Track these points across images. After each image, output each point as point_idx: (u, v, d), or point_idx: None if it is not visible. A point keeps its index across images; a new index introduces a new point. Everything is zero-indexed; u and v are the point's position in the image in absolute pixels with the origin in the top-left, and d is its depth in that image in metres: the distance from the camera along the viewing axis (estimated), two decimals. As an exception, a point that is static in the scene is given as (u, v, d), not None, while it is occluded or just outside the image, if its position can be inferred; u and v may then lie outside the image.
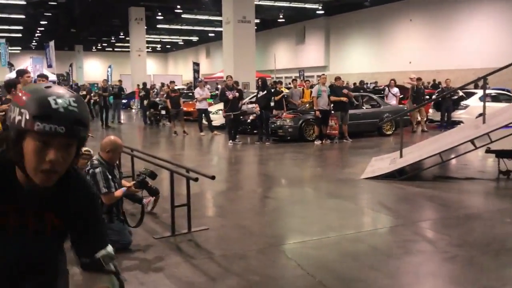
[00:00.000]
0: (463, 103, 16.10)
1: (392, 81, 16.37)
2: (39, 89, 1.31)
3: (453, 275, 4.20)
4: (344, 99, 12.69)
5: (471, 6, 27.32)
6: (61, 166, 1.32)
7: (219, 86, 19.79)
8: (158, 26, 37.51)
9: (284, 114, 13.66)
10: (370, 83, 25.68)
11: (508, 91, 19.82)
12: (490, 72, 8.41)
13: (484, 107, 8.61)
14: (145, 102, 19.87)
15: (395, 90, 16.03)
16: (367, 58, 34.37)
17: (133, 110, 28.43)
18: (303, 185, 8.35)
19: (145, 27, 32.62)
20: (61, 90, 1.33)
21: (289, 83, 19.21)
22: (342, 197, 7.20)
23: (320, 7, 31.70)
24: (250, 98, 15.98)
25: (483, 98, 16.21)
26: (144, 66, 32.56)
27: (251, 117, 14.65)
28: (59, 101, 1.28)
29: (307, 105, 14.22)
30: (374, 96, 15.25)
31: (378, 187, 7.64)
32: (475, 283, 3.94)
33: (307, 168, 10.14)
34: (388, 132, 14.19)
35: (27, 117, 1.26)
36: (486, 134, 7.83)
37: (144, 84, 22.60)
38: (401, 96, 16.31)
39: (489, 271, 4.18)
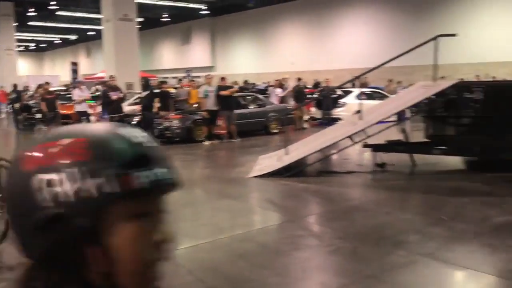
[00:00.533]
0: (341, 101, 17.12)
1: (276, 81, 16.93)
2: (92, 128, 0.71)
3: (338, 267, 4.35)
4: (234, 90, 12.93)
5: (348, 11, 29.28)
6: None
7: (99, 87, 18.72)
8: (30, 23, 34.61)
9: (171, 115, 13.34)
10: (263, 83, 26.16)
11: (381, 89, 21.55)
12: (363, 72, 8.94)
13: (361, 105, 9.15)
14: (17, 105, 18.15)
15: (278, 90, 16.58)
16: (253, 58, 35.14)
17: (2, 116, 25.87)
18: (192, 187, 8.15)
19: (15, 24, 29.92)
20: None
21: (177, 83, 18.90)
22: (231, 197, 7.16)
23: (205, 7, 31.69)
24: (135, 99, 15.37)
25: (359, 96, 17.48)
26: (14, 66, 29.87)
27: (135, 119, 14.06)
28: (131, 131, 0.71)
29: (195, 105, 14.05)
30: (260, 96, 15.56)
31: (266, 185, 7.74)
32: (359, 273, 4.11)
33: (197, 169, 9.98)
34: (275, 131, 14.56)
35: (110, 173, 0.65)
36: (363, 130, 8.35)
37: (15, 86, 20.67)
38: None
39: (371, 260, 4.39)
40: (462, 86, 8.48)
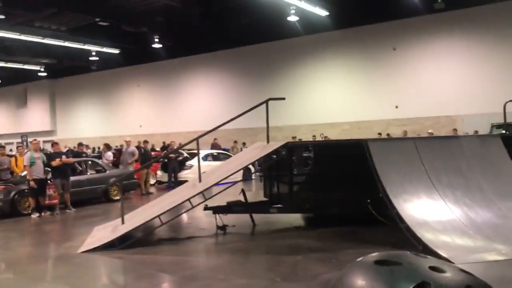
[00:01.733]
0: (188, 163, 17.01)
1: (104, 146, 16.54)
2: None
3: None
4: (65, 160, 11.86)
5: (195, 75, 30.13)
6: None
7: None
8: None
9: (-8, 186, 11.72)
10: (116, 146, 24.86)
11: (227, 150, 22.08)
12: (201, 134, 8.92)
13: (199, 167, 9.02)
14: None
15: (108, 154, 16.05)
16: (98, 122, 33.72)
17: None
18: (8, 271, 7.01)
19: None
20: None
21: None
22: (52, 279, 6.26)
23: (43, 69, 29.81)
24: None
25: (204, 158, 17.56)
26: None
27: None
28: None
29: (22, 174, 12.59)
30: (99, 161, 14.66)
31: (96, 261, 6.99)
32: None
33: (18, 248, 8.67)
34: (116, 198, 13.68)
35: None
36: (202, 193, 8.16)
37: None
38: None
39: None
40: (291, 146, 8.93)
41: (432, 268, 1.23)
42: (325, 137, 21.81)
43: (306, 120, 25.55)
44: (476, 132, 17.18)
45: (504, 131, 13.69)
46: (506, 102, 10.34)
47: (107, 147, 16.79)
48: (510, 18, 20.58)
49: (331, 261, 6.30)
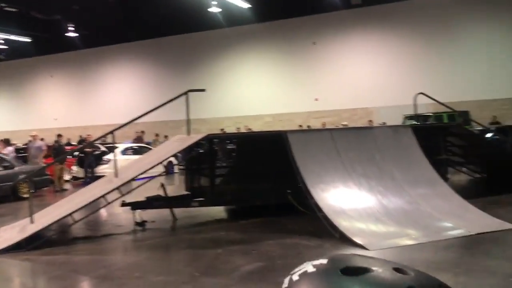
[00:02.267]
0: (105, 157, 16.30)
1: (1, 142, 15.44)
2: None
3: None
4: None
5: (113, 65, 28.91)
6: None
7: None
8: None
9: None
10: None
11: (149, 143, 21.46)
12: (116, 127, 8.53)
13: (115, 161, 8.65)
14: None
15: (10, 149, 15.03)
16: (7, 115, 31.43)
17: None
18: None
19: None
20: None
21: None
22: None
23: None
24: None
25: (123, 152, 16.95)
26: None
27: None
28: None
29: None
30: (7, 157, 13.62)
31: (1, 264, 6.45)
32: None
33: None
34: (26, 195, 12.77)
35: None
36: (118, 188, 7.81)
37: None
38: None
39: None
40: (213, 138, 8.80)
41: (397, 270, 1.08)
42: (249, 129, 21.91)
43: (230, 112, 25.53)
44: (384, 123, 18.03)
45: (415, 122, 14.50)
46: (417, 94, 10.91)
47: (6, 142, 15.52)
48: (422, 15, 21.85)
49: (251, 252, 6.28)
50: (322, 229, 6.67)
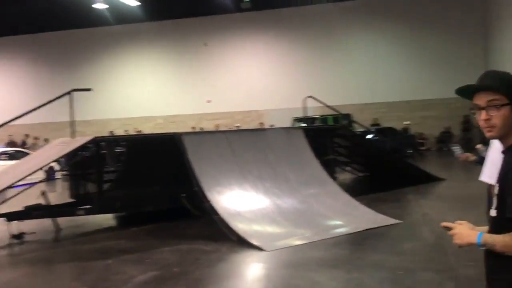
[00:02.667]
0: (-25, 164, 14.59)
1: None
2: None
3: None
4: None
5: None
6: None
7: None
8: None
9: None
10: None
11: (24, 146, 19.69)
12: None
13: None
14: None
15: None
16: None
17: None
18: None
19: None
20: None
21: None
22: None
23: None
24: None
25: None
26: None
27: None
28: None
29: None
30: None
31: None
32: None
33: None
34: None
35: None
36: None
37: None
38: None
39: None
40: (101, 141, 8.25)
41: None
42: (139, 131, 21.12)
43: (118, 114, 24.44)
44: (272, 125, 18.54)
45: (304, 124, 15.08)
46: (306, 98, 11.32)
47: None
48: (309, 20, 22.85)
49: (145, 261, 5.95)
50: (218, 232, 6.55)
